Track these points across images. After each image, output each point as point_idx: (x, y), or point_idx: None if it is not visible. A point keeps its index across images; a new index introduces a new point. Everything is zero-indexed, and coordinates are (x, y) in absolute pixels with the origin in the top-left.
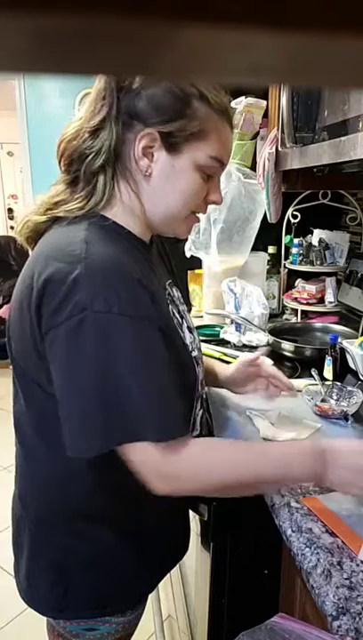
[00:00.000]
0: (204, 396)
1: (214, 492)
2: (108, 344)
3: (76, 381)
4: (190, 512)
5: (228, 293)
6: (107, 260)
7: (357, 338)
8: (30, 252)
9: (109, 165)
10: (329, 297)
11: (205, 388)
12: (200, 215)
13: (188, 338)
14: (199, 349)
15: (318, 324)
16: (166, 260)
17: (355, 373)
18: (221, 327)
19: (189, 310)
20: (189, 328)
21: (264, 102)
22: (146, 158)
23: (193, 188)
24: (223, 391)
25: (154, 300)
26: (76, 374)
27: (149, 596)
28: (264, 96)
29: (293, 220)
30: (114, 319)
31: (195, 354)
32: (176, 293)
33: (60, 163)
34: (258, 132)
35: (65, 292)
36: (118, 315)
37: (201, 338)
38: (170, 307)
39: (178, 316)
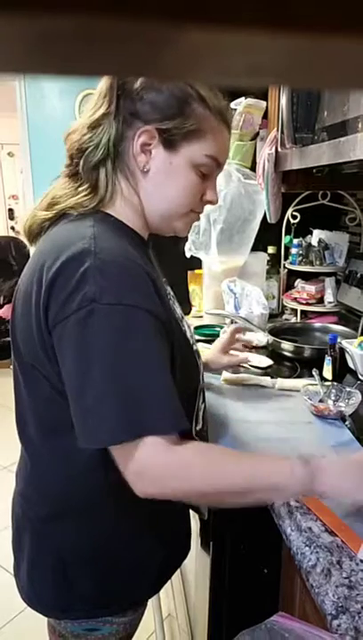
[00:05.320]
0: (203, 390)
1: (202, 496)
2: (119, 335)
3: (88, 372)
4: (191, 512)
5: (228, 293)
6: (116, 254)
7: (356, 338)
8: (33, 248)
9: (109, 161)
10: (329, 297)
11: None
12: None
13: (188, 333)
14: (196, 343)
15: (317, 324)
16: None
17: (354, 373)
18: (221, 327)
19: (189, 311)
20: (187, 324)
21: (264, 103)
22: (144, 155)
23: (189, 185)
24: (221, 392)
25: (159, 295)
26: (87, 365)
27: None
28: (264, 97)
29: (292, 221)
30: (124, 310)
31: (195, 347)
32: (171, 292)
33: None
34: (258, 133)
35: (74, 284)
36: (128, 307)
37: (201, 338)
38: (169, 302)
39: (178, 312)
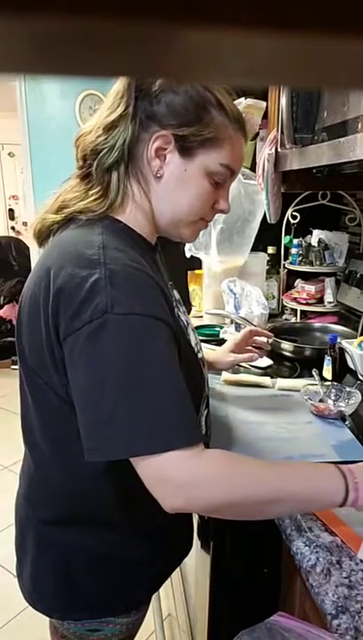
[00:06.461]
0: (208, 397)
1: (232, 507)
2: (134, 344)
3: (103, 383)
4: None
5: (227, 293)
6: (125, 264)
7: (356, 338)
8: (41, 250)
9: (122, 164)
10: (328, 297)
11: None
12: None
13: (193, 340)
14: (201, 350)
15: (317, 324)
16: (164, 260)
17: (354, 373)
18: (221, 327)
19: (189, 311)
20: (192, 330)
21: (264, 103)
22: (158, 159)
23: (201, 193)
24: (221, 393)
25: (168, 303)
26: (101, 376)
27: None
28: (264, 97)
29: (292, 221)
30: (136, 321)
31: (200, 355)
32: (177, 295)
33: (76, 158)
34: (258, 133)
35: (84, 296)
36: (141, 316)
37: (201, 338)
38: (175, 310)
39: (183, 319)
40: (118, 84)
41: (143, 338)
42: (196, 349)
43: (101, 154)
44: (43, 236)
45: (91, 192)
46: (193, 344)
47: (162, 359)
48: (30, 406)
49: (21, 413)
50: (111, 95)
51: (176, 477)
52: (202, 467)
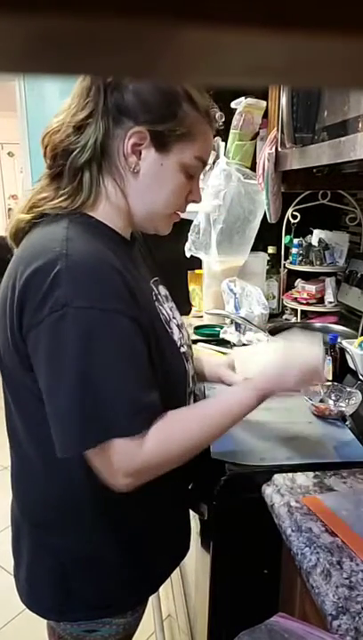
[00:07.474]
0: (195, 392)
1: (181, 461)
2: (89, 340)
3: (57, 380)
4: (190, 512)
5: (228, 293)
6: (88, 256)
7: (356, 338)
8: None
9: (95, 162)
10: (329, 297)
11: (196, 384)
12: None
13: (176, 334)
14: (189, 346)
15: (317, 323)
16: (149, 258)
17: (355, 373)
18: (221, 327)
19: (189, 311)
20: (177, 325)
21: (264, 103)
22: (134, 155)
23: (177, 187)
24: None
25: (136, 296)
26: (56, 372)
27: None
28: (264, 96)
29: (292, 221)
30: (95, 315)
31: (184, 350)
32: (163, 291)
33: (45, 157)
34: (258, 133)
35: (45, 289)
36: (100, 310)
37: (201, 338)
38: (156, 304)
39: (165, 313)
40: (85, 81)
41: (102, 332)
42: (179, 343)
43: (74, 153)
44: (18, 237)
45: (61, 192)
46: (176, 338)
47: (119, 353)
48: (12, 407)
49: (5, 415)
50: (77, 92)
51: (123, 467)
52: (143, 452)
